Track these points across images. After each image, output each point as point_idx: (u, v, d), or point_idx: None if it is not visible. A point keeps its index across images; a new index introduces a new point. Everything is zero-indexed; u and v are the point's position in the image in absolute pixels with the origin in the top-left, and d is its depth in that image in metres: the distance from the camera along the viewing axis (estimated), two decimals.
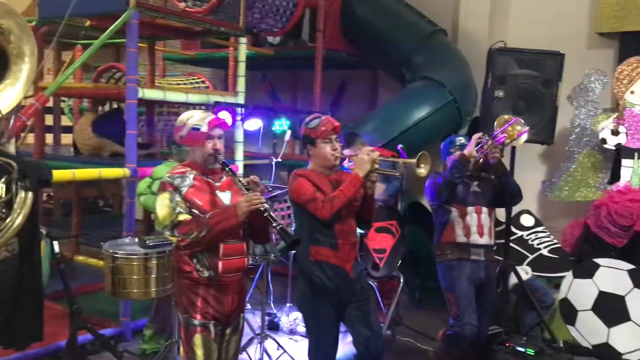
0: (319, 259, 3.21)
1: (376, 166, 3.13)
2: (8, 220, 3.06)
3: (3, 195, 3.09)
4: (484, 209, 3.98)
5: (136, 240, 3.96)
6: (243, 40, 5.76)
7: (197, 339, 2.83)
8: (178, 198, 2.78)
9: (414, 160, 3.12)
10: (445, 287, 3.98)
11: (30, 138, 6.10)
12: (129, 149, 4.77)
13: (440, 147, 4.31)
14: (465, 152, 3.82)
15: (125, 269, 3.68)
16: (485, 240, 3.94)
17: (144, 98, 4.91)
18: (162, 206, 2.79)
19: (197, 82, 7.22)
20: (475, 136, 3.91)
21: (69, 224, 6.65)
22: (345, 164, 3.52)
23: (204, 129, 2.87)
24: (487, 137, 3.91)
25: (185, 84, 7.12)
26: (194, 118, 2.91)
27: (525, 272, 5.15)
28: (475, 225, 3.93)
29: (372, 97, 7.86)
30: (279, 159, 5.38)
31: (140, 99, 4.82)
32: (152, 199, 4.30)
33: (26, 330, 3.40)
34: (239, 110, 5.57)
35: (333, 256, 3.20)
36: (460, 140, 4.10)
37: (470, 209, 3.94)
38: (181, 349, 2.99)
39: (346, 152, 3.67)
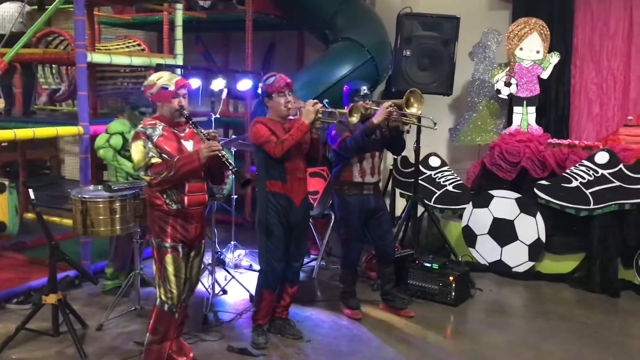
0: (272, 189, 3.97)
1: (319, 115, 3.87)
2: None
3: None
4: (377, 153, 4.56)
5: (99, 187, 4.48)
6: (179, 5, 6.20)
7: (169, 257, 3.39)
8: (150, 145, 3.29)
9: (346, 111, 3.95)
10: (340, 217, 4.65)
11: None
12: (81, 109, 5.20)
13: (343, 91, 4.57)
14: (375, 121, 4.22)
15: (93, 211, 4.17)
16: (375, 178, 4.58)
17: (92, 62, 5.33)
18: (136, 151, 3.30)
19: (133, 45, 7.45)
20: (386, 105, 4.26)
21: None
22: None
23: (172, 88, 3.36)
24: (394, 110, 4.25)
25: (122, 47, 7.36)
26: (163, 78, 3.38)
27: None
28: (369, 168, 4.51)
29: (299, 56, 8.35)
30: (217, 116, 5.82)
31: (89, 62, 5.25)
32: (110, 151, 4.83)
33: None
34: (178, 71, 6.07)
35: (283, 188, 3.96)
36: (364, 90, 4.44)
37: (367, 154, 4.49)
38: (152, 273, 3.53)
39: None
